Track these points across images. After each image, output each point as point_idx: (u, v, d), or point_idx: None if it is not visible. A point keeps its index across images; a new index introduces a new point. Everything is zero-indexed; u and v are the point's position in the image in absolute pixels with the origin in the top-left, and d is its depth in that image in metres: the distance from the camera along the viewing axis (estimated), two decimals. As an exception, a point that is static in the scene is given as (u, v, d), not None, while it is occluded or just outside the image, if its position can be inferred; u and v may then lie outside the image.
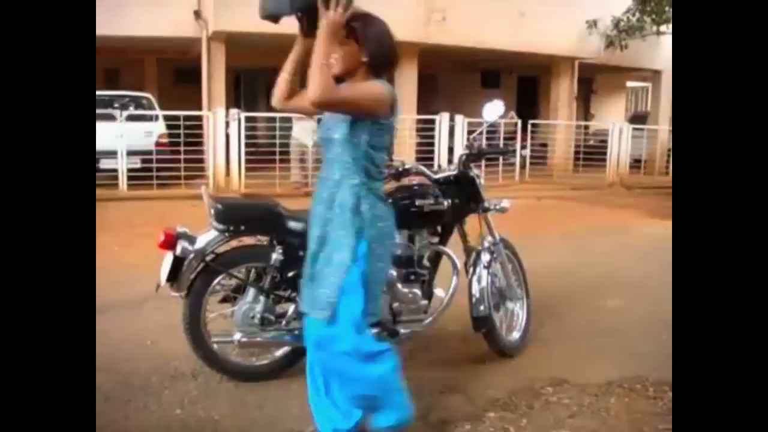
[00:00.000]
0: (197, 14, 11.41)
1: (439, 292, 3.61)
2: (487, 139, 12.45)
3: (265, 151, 10.94)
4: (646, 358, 3.78)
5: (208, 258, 3.21)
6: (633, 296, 5.15)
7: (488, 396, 3.32)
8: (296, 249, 3.24)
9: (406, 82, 13.26)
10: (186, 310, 3.26)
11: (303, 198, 10.08)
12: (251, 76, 17.33)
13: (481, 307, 3.56)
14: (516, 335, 3.88)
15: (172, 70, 16.45)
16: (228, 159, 10.28)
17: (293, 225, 3.22)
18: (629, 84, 22.95)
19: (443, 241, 3.62)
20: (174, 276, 3.15)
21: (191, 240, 3.16)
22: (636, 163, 14.00)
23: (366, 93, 2.42)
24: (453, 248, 3.67)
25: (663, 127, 15.33)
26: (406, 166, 3.57)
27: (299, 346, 3.39)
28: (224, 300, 3.41)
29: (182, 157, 9.82)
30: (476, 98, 18.17)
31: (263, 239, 3.36)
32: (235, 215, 3.22)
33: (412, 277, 3.46)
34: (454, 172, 3.64)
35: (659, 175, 14.06)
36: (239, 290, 3.35)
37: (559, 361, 3.78)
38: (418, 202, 3.39)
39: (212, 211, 3.16)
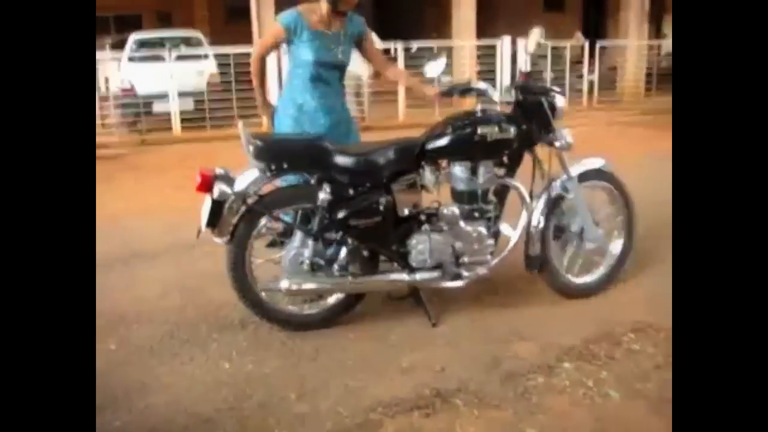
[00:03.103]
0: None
1: (506, 229, 3.26)
2: (553, 63, 11.77)
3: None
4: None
5: (250, 200, 2.94)
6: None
7: (563, 344, 3.00)
8: (345, 187, 2.94)
9: (464, 6, 12.55)
10: (230, 256, 3.02)
11: (359, 132, 9.72)
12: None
13: (535, 246, 3.24)
14: (589, 278, 3.50)
15: (223, 9, 16.10)
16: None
17: (341, 160, 2.91)
18: (705, -1, 21.35)
19: (511, 172, 3.23)
20: (214, 221, 2.90)
21: (230, 181, 2.88)
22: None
23: None
24: (522, 180, 3.29)
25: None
26: (471, 86, 3.20)
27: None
28: (272, 244, 3.16)
29: (234, 95, 9.55)
30: (539, 21, 17.27)
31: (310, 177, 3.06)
32: (276, 152, 2.91)
33: (477, 215, 3.12)
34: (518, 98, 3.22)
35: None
36: (287, 234, 3.09)
37: (642, 304, 3.40)
38: (480, 131, 3.01)
39: (251, 149, 2.87)
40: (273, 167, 2.88)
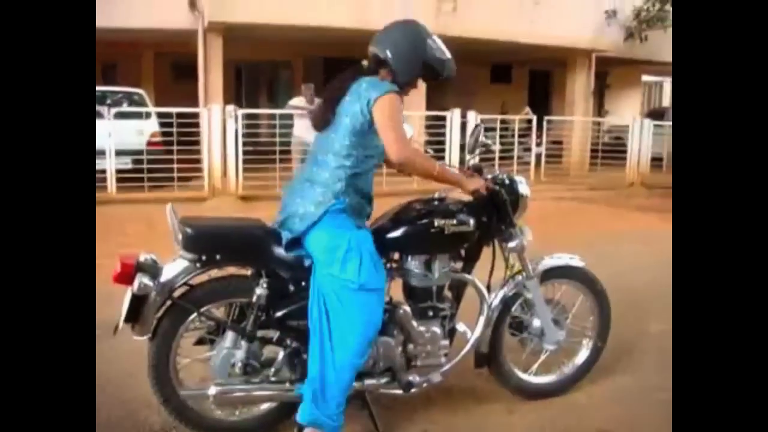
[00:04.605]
0: (192, 4, 10.66)
1: (462, 327, 2.98)
2: (501, 136, 11.81)
3: (265, 150, 10.24)
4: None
5: (177, 293, 2.59)
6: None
7: (523, 463, 2.70)
8: (286, 282, 2.62)
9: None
10: (151, 355, 2.64)
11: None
12: (253, 71, 16.70)
13: (484, 344, 3.02)
14: (548, 378, 3.25)
15: (170, 66, 15.77)
16: (225, 159, 9.58)
17: (282, 252, 2.59)
18: (644, 78, 22.17)
19: (468, 267, 2.97)
20: (134, 316, 2.53)
21: (155, 271, 2.53)
22: (655, 162, 13.27)
23: None
24: (480, 275, 3.03)
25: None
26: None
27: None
28: (200, 342, 2.79)
29: (175, 157, 9.16)
30: (486, 94, 17.52)
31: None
32: (209, 241, 2.58)
33: (431, 313, 2.83)
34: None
35: (681, 174, 13.27)
36: (218, 331, 2.73)
37: (605, 408, 3.15)
38: (437, 222, 2.75)
39: (180, 237, 2.53)
40: (204, 258, 2.55)
